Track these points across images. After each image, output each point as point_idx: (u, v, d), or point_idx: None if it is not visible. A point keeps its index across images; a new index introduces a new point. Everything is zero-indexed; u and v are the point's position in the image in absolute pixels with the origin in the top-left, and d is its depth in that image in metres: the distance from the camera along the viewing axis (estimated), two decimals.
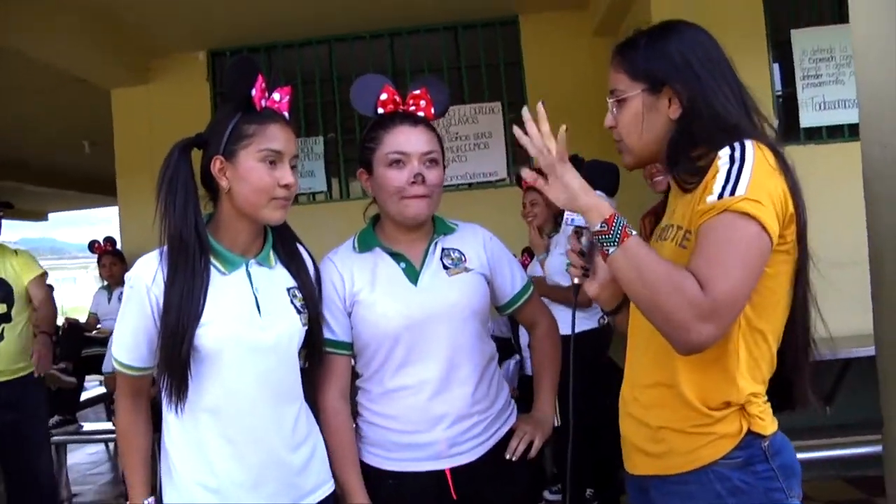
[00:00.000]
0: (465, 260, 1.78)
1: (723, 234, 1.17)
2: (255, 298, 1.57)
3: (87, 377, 5.36)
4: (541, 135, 1.35)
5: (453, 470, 1.71)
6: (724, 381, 1.27)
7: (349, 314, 1.74)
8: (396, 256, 1.75)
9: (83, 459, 5.94)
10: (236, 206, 1.56)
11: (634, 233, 1.24)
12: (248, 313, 1.56)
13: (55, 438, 4.51)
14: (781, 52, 4.45)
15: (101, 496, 4.96)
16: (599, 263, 1.43)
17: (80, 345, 5.18)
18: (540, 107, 1.38)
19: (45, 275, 3.71)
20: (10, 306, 3.48)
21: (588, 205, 1.29)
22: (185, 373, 1.50)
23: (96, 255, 5.60)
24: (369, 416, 1.77)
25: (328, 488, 1.68)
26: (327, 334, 1.72)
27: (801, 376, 1.37)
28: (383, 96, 1.74)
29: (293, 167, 1.58)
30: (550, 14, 5.54)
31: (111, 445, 5.28)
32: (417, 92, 1.75)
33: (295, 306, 1.63)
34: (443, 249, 1.78)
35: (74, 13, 4.90)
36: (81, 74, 5.61)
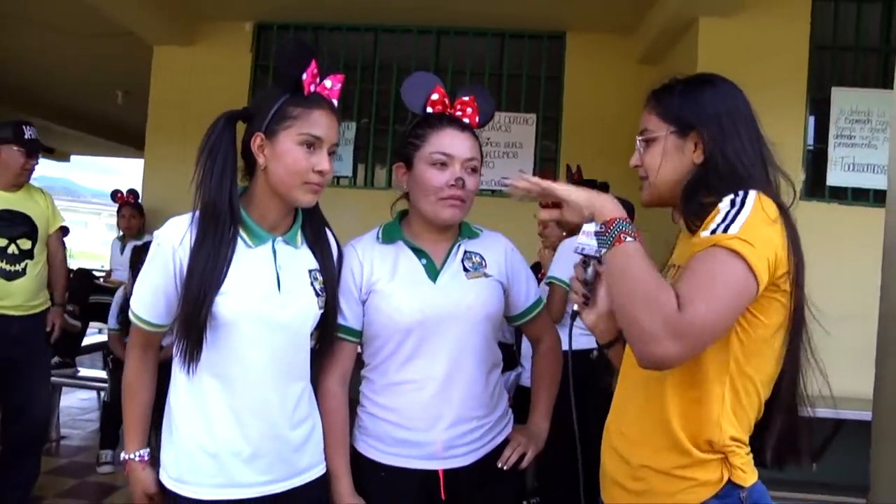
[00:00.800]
0: (486, 265, 1.83)
1: (709, 266, 1.23)
2: (277, 275, 1.63)
3: (91, 324, 5.45)
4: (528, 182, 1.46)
5: (446, 472, 1.76)
6: (708, 421, 1.31)
7: (364, 302, 1.79)
8: (418, 252, 1.80)
9: (74, 403, 6.03)
10: (270, 184, 1.61)
11: (631, 239, 1.30)
12: (267, 288, 1.61)
13: (52, 379, 4.58)
14: (819, 108, 4.51)
15: (87, 442, 5.01)
16: (601, 295, 1.48)
17: (89, 291, 5.27)
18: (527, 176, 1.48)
19: (64, 229, 3.82)
20: (34, 243, 3.58)
21: (602, 205, 1.36)
22: (201, 337, 1.55)
23: (117, 205, 5.70)
24: (371, 406, 1.82)
25: (321, 469, 1.73)
26: (339, 319, 1.77)
27: (771, 435, 1.40)
28: (434, 96, 1.79)
29: (331, 153, 1.62)
30: (598, 35, 5.62)
31: (103, 394, 5.35)
32: (466, 98, 1.80)
33: (314, 288, 1.68)
34: (465, 252, 1.83)
35: None
36: (127, 26, 5.69)
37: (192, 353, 1.56)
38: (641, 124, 1.50)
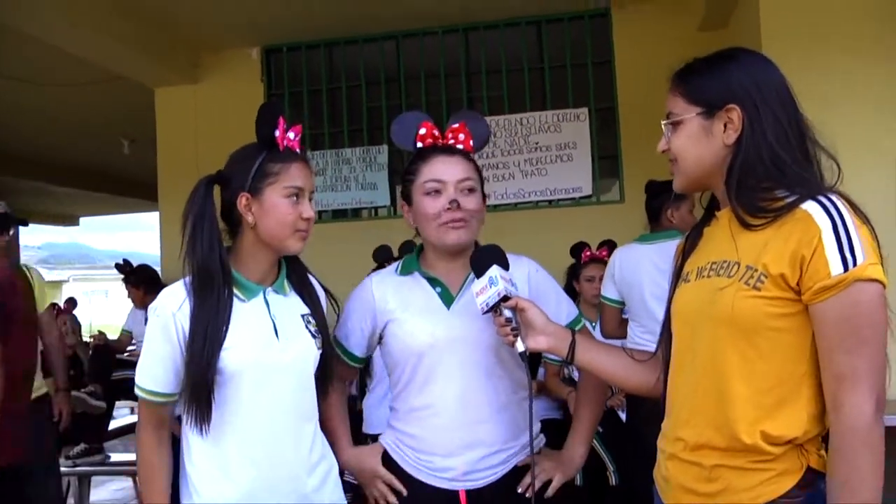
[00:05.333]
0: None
1: (865, 316, 1.33)
2: (273, 323, 1.85)
3: (117, 403, 5.53)
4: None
5: (468, 492, 1.94)
6: (791, 422, 1.40)
7: (381, 336, 2.04)
8: (433, 281, 2.01)
9: (108, 496, 6.08)
10: (261, 239, 1.83)
11: None
12: (266, 337, 1.83)
13: (78, 469, 4.65)
14: None
15: None
16: (528, 318, 1.74)
17: (111, 366, 5.33)
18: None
19: (71, 301, 3.77)
20: None
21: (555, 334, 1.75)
22: (210, 396, 1.75)
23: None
24: (393, 433, 2.05)
25: None
26: (341, 339, 2.06)
27: None
28: (422, 131, 2.00)
29: (310, 200, 1.87)
30: (647, 6, 5.51)
31: None
32: (456, 125, 2.00)
33: (310, 331, 1.91)
34: None
35: (114, 5, 5.09)
36: (124, 72, 5.86)
37: (204, 413, 1.76)
38: (667, 108, 1.59)
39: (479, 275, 1.78)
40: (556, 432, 2.18)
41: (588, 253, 4.13)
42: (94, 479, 5.13)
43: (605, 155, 5.70)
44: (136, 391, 1.82)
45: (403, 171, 2.06)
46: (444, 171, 1.93)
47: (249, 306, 1.84)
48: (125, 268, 5.75)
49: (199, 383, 1.73)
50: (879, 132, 3.73)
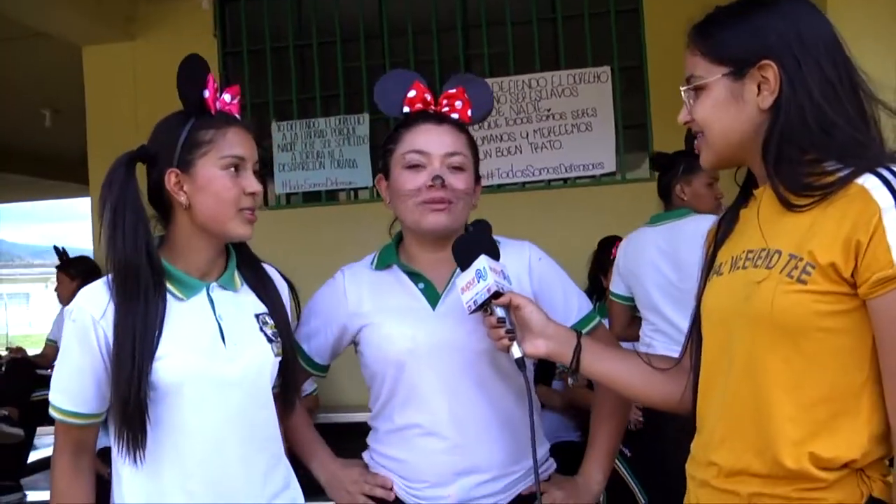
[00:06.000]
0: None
1: None
2: (219, 326, 1.82)
3: (39, 429, 5.53)
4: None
5: None
6: (851, 440, 1.35)
7: (356, 343, 2.05)
8: (415, 276, 2.00)
9: None
10: (197, 223, 1.80)
11: None
12: (210, 343, 1.80)
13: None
14: None
15: None
16: (524, 316, 1.73)
17: (30, 386, 5.34)
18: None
19: None
20: None
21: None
22: (143, 417, 1.70)
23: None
24: (377, 458, 2.05)
25: None
26: (301, 341, 2.05)
27: None
28: (411, 94, 1.98)
29: (256, 172, 1.83)
30: None
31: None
32: (453, 91, 1.98)
33: (265, 334, 1.87)
34: None
35: None
36: (43, 27, 5.80)
37: (137, 437, 1.70)
38: (686, 70, 1.54)
39: (464, 267, 1.76)
40: (571, 457, 2.16)
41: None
42: None
43: (631, 124, 5.65)
44: (51, 411, 1.79)
45: (384, 140, 2.06)
46: (429, 141, 1.92)
47: (189, 306, 1.80)
48: (63, 255, 5.78)
49: (129, 402, 1.67)
50: None
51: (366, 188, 5.89)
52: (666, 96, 5.41)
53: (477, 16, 5.84)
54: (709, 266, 1.65)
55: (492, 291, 1.70)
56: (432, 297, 1.97)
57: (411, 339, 1.92)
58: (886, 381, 1.33)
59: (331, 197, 6.03)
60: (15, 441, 4.94)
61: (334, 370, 2.21)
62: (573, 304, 2.04)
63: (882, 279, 1.29)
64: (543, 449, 2.06)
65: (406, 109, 1.99)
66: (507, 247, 1.99)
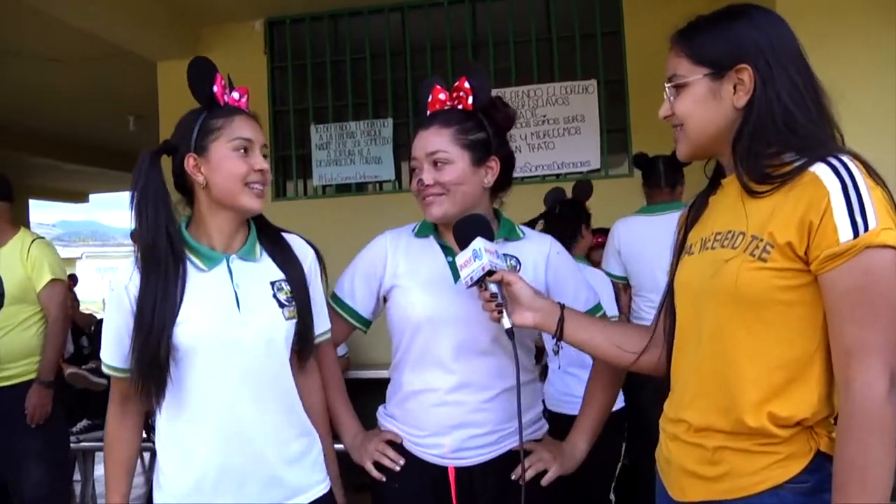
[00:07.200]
0: (519, 270, 1.90)
1: (875, 285, 1.24)
2: (235, 293, 1.75)
3: None
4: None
5: (458, 469, 1.88)
6: (802, 403, 1.32)
7: (385, 298, 1.98)
8: (446, 249, 1.93)
9: None
10: (214, 199, 1.76)
11: None
12: (225, 309, 1.73)
13: (81, 445, 4.58)
14: None
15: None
16: (514, 292, 1.67)
17: None
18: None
19: (57, 282, 3.58)
20: None
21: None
22: (162, 374, 1.68)
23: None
24: (390, 408, 2.00)
25: (322, 489, 1.86)
26: (345, 297, 2.00)
27: None
28: (429, 98, 1.94)
29: (264, 156, 1.80)
30: None
31: (147, 456, 5.31)
32: (457, 84, 1.93)
33: (278, 299, 1.79)
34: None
35: None
36: (125, 45, 5.73)
37: (156, 389, 1.69)
38: (669, 70, 1.48)
39: (462, 246, 1.70)
40: (567, 428, 2.03)
41: (599, 239, 4.05)
42: (98, 454, 4.97)
43: (613, 128, 5.56)
44: (102, 367, 1.80)
45: None
46: (417, 147, 1.90)
47: (210, 277, 1.76)
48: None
49: (149, 360, 1.66)
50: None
51: (389, 181, 5.84)
52: (643, 106, 5.39)
53: (484, 36, 5.76)
54: (680, 247, 1.58)
55: (486, 270, 1.65)
56: (455, 271, 1.85)
57: (432, 308, 1.87)
58: (834, 345, 1.28)
59: (360, 188, 5.94)
60: (100, 389, 4.86)
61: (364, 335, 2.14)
62: (582, 295, 1.96)
63: (830, 255, 1.25)
64: (535, 411, 1.99)
65: (429, 112, 1.95)
66: (532, 238, 2.00)
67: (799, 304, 1.31)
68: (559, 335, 1.69)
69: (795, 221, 1.28)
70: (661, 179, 3.86)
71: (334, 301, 2.01)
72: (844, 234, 1.23)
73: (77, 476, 4.93)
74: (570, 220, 3.59)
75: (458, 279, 1.82)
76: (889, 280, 1.23)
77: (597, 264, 3.98)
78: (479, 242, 1.66)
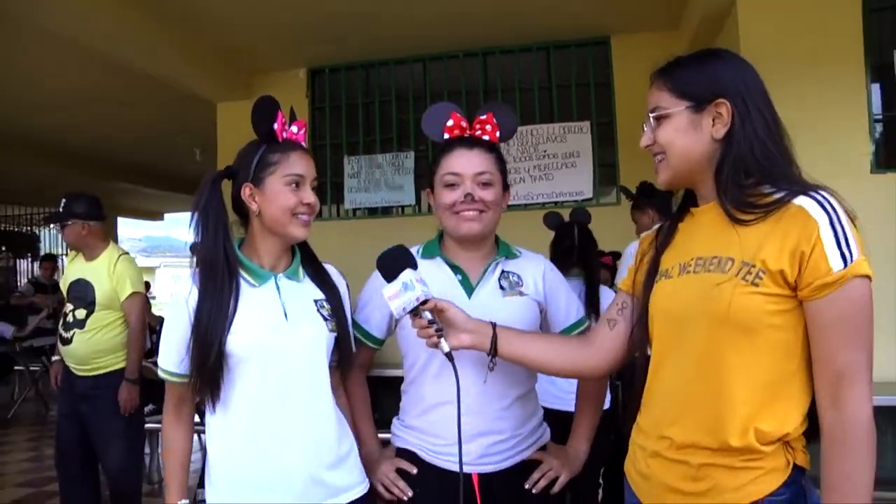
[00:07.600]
0: (522, 285, 1.78)
1: (860, 309, 1.18)
2: (283, 307, 1.64)
3: None
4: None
5: (481, 475, 1.70)
6: (786, 417, 1.22)
7: (397, 320, 1.76)
8: (455, 268, 1.77)
9: None
10: (266, 226, 1.66)
11: None
12: (275, 320, 1.63)
13: (148, 426, 4.54)
14: (884, 74, 3.98)
15: (190, 482, 4.96)
16: (447, 318, 1.52)
17: None
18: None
19: (137, 294, 3.55)
20: (89, 313, 3.47)
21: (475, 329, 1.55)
22: (216, 376, 1.57)
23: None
24: (406, 419, 1.80)
25: (361, 489, 1.71)
26: (362, 323, 1.82)
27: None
28: (449, 122, 1.76)
29: (313, 188, 1.69)
30: (641, 35, 5.28)
31: (203, 435, 5.23)
32: (483, 117, 1.77)
33: (322, 314, 1.68)
34: (502, 272, 1.79)
35: (183, 31, 5.06)
36: (190, 90, 5.76)
37: (210, 392, 1.59)
38: (651, 103, 1.37)
39: (389, 279, 1.52)
40: (564, 427, 1.91)
41: (605, 260, 3.93)
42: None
43: (604, 163, 5.46)
44: (159, 372, 1.68)
45: (430, 161, 1.86)
46: (462, 164, 1.71)
47: (260, 291, 1.65)
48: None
49: (205, 365, 1.56)
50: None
51: (410, 206, 5.77)
52: (629, 144, 5.32)
53: (494, 83, 5.68)
54: (653, 270, 1.42)
55: (420, 300, 1.49)
56: (468, 287, 1.74)
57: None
58: (821, 367, 1.19)
59: (385, 212, 5.86)
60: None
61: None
62: (572, 310, 1.83)
63: (822, 284, 1.17)
64: (537, 417, 1.85)
65: (447, 136, 1.77)
66: (527, 257, 1.86)
67: (784, 328, 1.21)
68: (493, 352, 1.54)
69: (788, 251, 1.19)
70: (669, 204, 3.74)
71: (355, 328, 1.83)
72: (836, 264, 1.16)
73: (147, 450, 4.93)
74: (592, 248, 3.56)
75: (472, 295, 1.73)
76: (869, 307, 1.18)
77: (603, 282, 3.84)
78: (408, 274, 1.50)
